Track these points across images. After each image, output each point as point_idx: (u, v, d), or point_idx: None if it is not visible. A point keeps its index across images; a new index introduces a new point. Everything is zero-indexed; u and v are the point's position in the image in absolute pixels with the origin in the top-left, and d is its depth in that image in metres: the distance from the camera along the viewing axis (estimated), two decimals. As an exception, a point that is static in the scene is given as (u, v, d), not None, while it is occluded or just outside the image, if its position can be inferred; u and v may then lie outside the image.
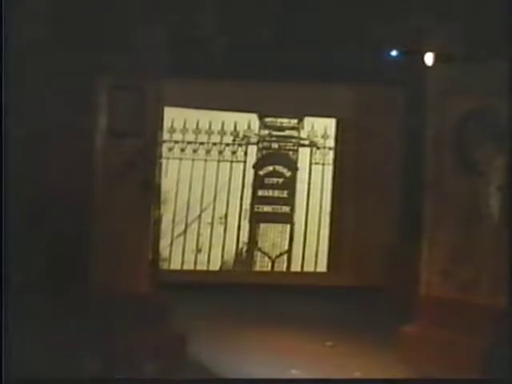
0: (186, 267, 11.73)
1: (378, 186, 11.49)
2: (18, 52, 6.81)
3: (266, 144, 12.10)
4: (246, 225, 12.02)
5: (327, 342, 8.94)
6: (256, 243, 12.04)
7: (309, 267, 12.04)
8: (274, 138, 12.12)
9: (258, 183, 12.08)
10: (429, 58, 8.00)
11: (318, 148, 12.18)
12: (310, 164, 12.17)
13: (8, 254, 6.48)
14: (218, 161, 11.93)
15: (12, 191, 6.65)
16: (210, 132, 11.90)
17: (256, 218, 12.06)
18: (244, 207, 12.01)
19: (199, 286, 10.59)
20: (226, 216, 11.93)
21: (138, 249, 7.83)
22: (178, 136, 11.77)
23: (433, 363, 7.62)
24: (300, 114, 12.04)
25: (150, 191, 7.88)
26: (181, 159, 11.79)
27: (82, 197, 7.47)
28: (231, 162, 11.97)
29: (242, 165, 12.02)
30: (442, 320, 7.77)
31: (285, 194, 12.15)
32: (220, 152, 11.94)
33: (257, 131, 12.05)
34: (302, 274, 12.02)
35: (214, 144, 11.92)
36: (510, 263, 7.24)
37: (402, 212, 11.32)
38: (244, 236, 12.03)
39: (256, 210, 12.07)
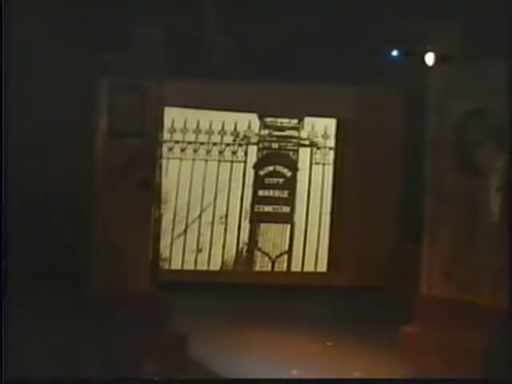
0: (186, 267, 11.73)
1: (378, 186, 11.49)
2: (18, 52, 6.81)
3: (266, 144, 12.10)
4: (246, 225, 12.02)
5: (327, 341, 8.95)
6: (256, 243, 12.04)
7: (309, 267, 12.04)
8: (274, 138, 12.11)
9: (259, 183, 12.07)
10: (429, 58, 8.00)
11: (319, 148, 12.18)
12: (311, 164, 12.17)
13: (8, 254, 6.48)
14: (219, 161, 11.92)
15: (12, 191, 6.65)
16: (210, 132, 11.90)
17: (256, 218, 12.05)
18: (244, 207, 12.00)
19: (199, 286, 10.59)
20: (226, 216, 11.92)
21: (139, 248, 7.84)
22: (178, 136, 11.77)
23: (432, 363, 7.63)
24: (300, 115, 12.04)
25: (150, 191, 7.89)
26: (181, 159, 11.79)
27: (82, 197, 7.48)
28: (231, 162, 11.97)
29: (242, 165, 12.01)
30: (441, 320, 7.78)
31: (285, 194, 12.14)
32: (220, 152, 11.93)
33: (257, 131, 12.05)
34: (302, 273, 12.02)
35: (215, 144, 11.92)
36: (510, 263, 7.24)
37: (401, 212, 11.32)
38: (244, 236, 12.02)
39: (256, 210, 12.06)
